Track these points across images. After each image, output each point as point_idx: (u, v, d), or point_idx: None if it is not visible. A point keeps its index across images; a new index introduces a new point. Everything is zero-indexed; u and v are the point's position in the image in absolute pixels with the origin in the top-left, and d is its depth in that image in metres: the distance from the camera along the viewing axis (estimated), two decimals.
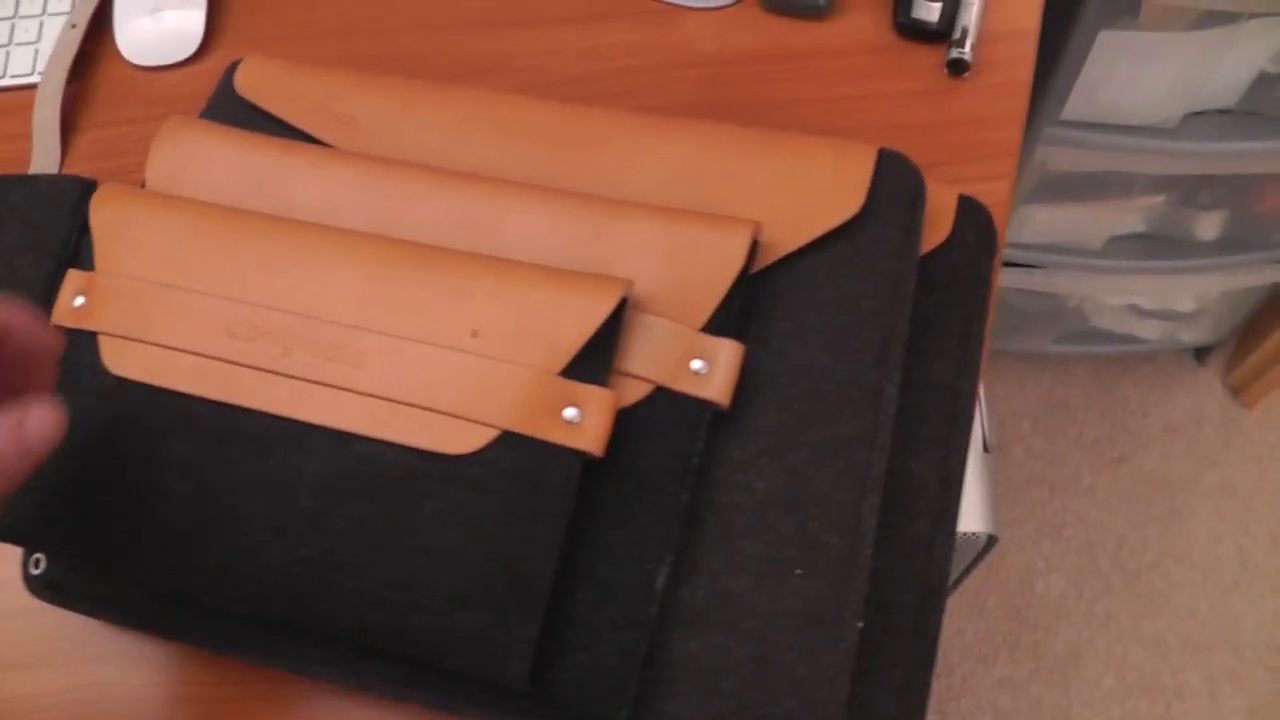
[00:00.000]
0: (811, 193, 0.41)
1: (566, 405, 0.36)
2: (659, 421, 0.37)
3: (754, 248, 0.39)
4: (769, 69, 0.52)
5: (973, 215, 0.45)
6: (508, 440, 0.36)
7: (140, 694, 0.43)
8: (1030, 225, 0.93)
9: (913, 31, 0.52)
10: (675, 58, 0.53)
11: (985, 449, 0.68)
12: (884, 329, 0.40)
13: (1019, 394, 1.17)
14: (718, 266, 0.38)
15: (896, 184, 0.42)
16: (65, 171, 0.54)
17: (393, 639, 0.35)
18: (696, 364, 0.38)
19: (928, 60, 0.52)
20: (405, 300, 0.37)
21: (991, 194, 0.48)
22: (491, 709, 0.37)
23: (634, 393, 0.37)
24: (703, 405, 0.37)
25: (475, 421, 0.36)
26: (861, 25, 0.53)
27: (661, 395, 0.37)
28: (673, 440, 0.37)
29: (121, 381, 0.39)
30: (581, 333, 0.36)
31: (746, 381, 0.38)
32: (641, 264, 0.39)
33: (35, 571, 0.42)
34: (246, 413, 0.38)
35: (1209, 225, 0.91)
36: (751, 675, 0.36)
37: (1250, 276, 0.95)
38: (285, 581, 0.36)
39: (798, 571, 0.37)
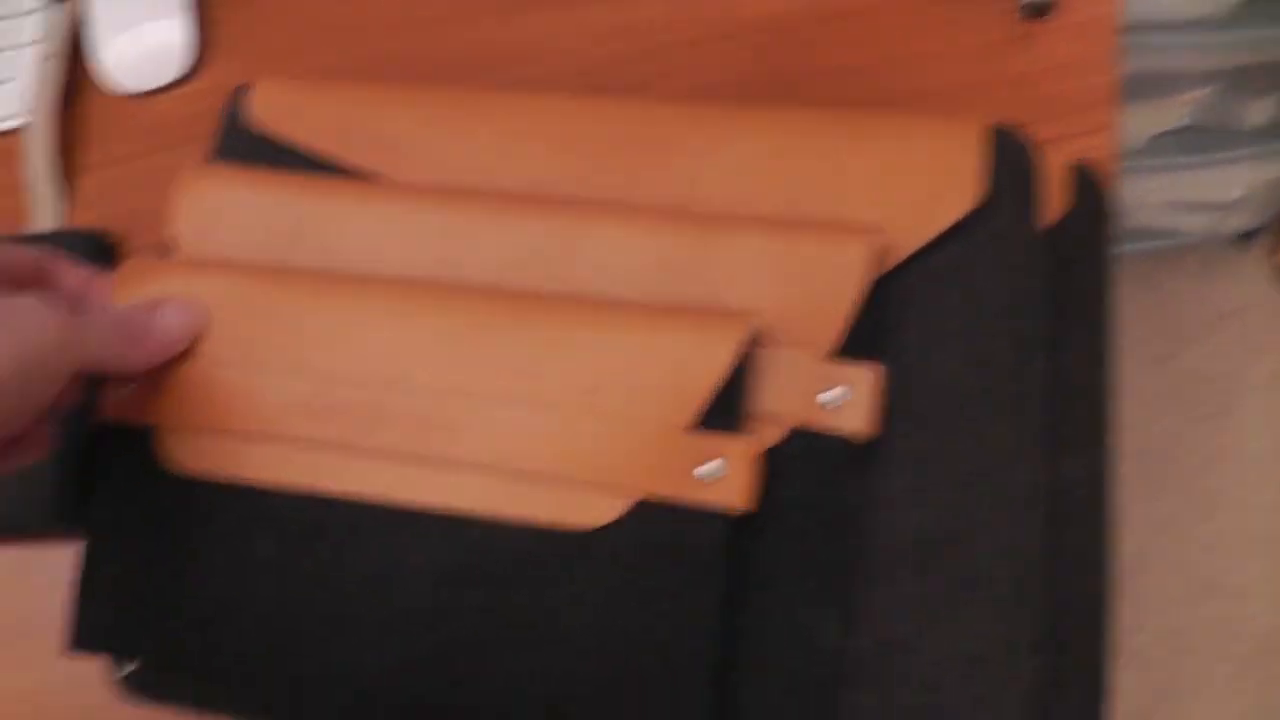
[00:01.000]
0: (920, 184, 0.37)
1: (704, 461, 0.32)
2: (800, 465, 0.33)
3: (875, 256, 0.35)
4: (820, 32, 0.47)
5: (1085, 183, 0.40)
6: (644, 508, 0.32)
7: None
8: None
9: None
10: (714, 29, 0.47)
11: None
12: (1017, 330, 0.36)
13: None
14: (840, 283, 0.34)
15: (1010, 163, 0.38)
16: (70, 224, 0.49)
17: None
18: (832, 394, 0.34)
19: (999, 4, 0.46)
20: (503, 358, 0.33)
21: (1093, 150, 0.43)
22: None
23: (769, 437, 0.33)
24: (844, 442, 0.34)
25: (604, 490, 0.32)
26: None
27: (799, 436, 0.33)
28: (817, 483, 0.33)
29: (188, 481, 0.35)
30: (709, 379, 0.32)
31: (883, 405, 0.35)
32: (753, 289, 0.34)
33: (123, 672, 0.39)
34: (336, 502, 0.34)
35: (1259, 111, 0.86)
36: None
37: None
38: (406, 682, 0.33)
39: (966, 610, 0.33)
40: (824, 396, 0.33)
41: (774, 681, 0.32)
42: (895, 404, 0.35)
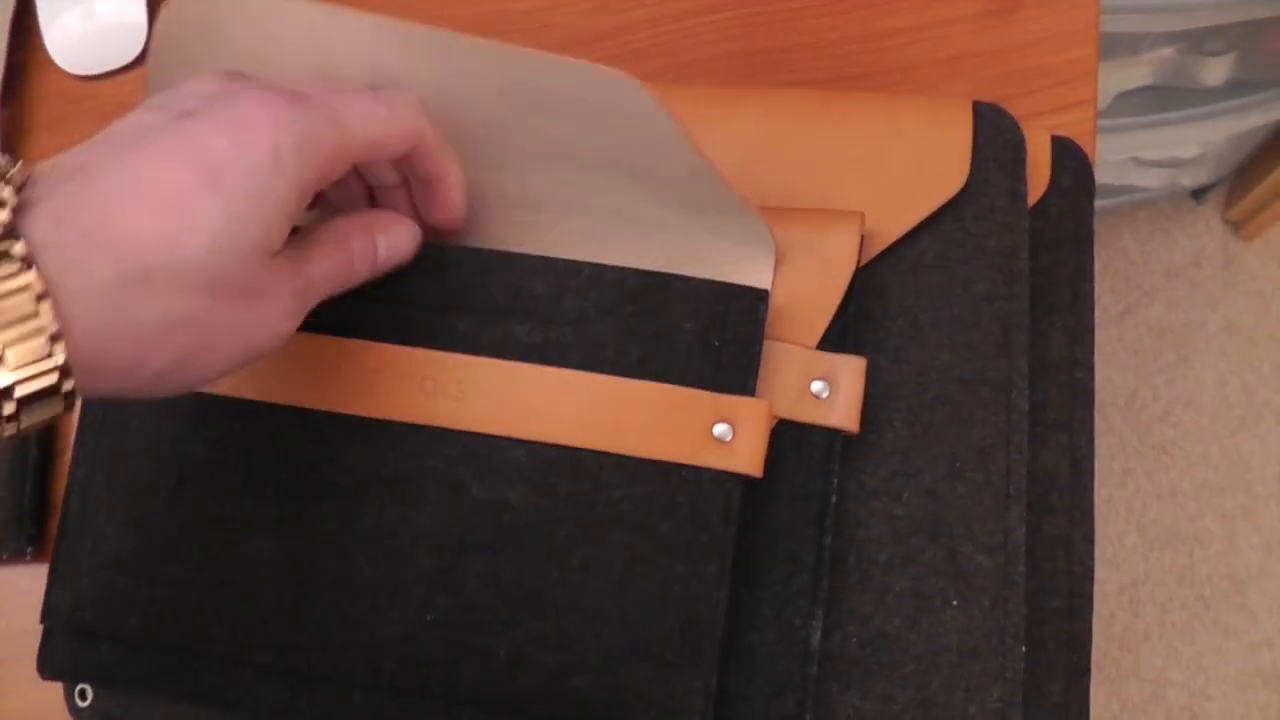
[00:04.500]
0: (908, 166, 0.36)
1: (715, 421, 0.31)
2: (786, 460, 0.33)
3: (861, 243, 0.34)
4: (807, 5, 0.46)
5: (1068, 158, 0.40)
6: (656, 470, 0.32)
7: None
8: None
9: None
10: (702, 1, 0.46)
11: None
12: (1003, 314, 0.36)
13: None
14: (827, 271, 0.34)
15: (996, 143, 0.37)
16: None
17: (549, 704, 0.32)
18: (816, 386, 0.33)
19: None
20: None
21: (1074, 125, 0.43)
22: None
23: None
24: (831, 434, 0.33)
25: (610, 446, 0.32)
26: None
27: (785, 429, 0.33)
28: (804, 479, 0.33)
29: (173, 434, 0.34)
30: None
31: (868, 395, 0.35)
32: None
33: (82, 704, 0.37)
34: (338, 463, 0.33)
35: (1217, 70, 0.87)
36: None
37: (1259, 116, 0.92)
38: (412, 649, 0.32)
39: (953, 603, 0.34)
40: (813, 388, 0.33)
41: (762, 682, 0.32)
42: (879, 392, 0.35)
